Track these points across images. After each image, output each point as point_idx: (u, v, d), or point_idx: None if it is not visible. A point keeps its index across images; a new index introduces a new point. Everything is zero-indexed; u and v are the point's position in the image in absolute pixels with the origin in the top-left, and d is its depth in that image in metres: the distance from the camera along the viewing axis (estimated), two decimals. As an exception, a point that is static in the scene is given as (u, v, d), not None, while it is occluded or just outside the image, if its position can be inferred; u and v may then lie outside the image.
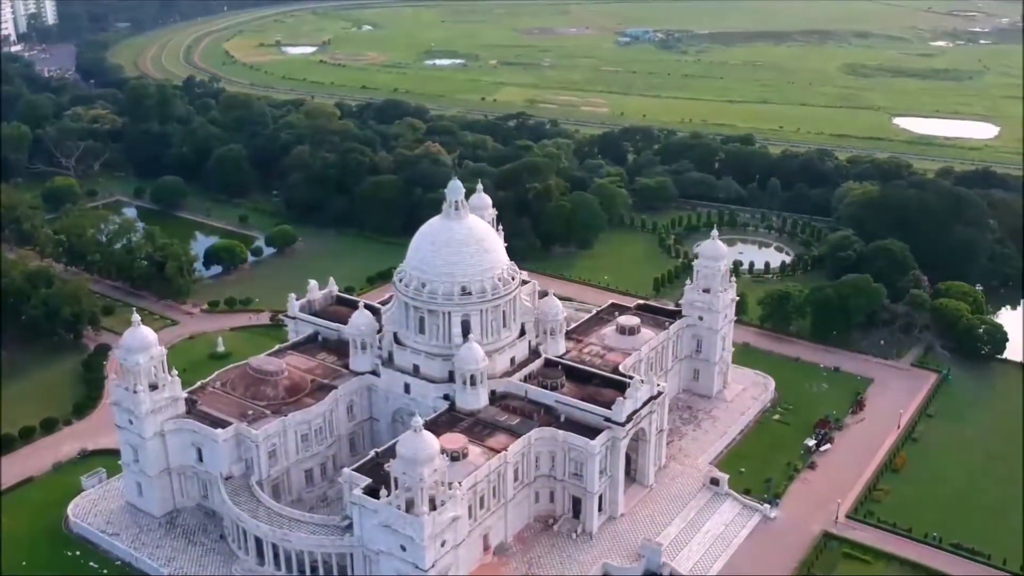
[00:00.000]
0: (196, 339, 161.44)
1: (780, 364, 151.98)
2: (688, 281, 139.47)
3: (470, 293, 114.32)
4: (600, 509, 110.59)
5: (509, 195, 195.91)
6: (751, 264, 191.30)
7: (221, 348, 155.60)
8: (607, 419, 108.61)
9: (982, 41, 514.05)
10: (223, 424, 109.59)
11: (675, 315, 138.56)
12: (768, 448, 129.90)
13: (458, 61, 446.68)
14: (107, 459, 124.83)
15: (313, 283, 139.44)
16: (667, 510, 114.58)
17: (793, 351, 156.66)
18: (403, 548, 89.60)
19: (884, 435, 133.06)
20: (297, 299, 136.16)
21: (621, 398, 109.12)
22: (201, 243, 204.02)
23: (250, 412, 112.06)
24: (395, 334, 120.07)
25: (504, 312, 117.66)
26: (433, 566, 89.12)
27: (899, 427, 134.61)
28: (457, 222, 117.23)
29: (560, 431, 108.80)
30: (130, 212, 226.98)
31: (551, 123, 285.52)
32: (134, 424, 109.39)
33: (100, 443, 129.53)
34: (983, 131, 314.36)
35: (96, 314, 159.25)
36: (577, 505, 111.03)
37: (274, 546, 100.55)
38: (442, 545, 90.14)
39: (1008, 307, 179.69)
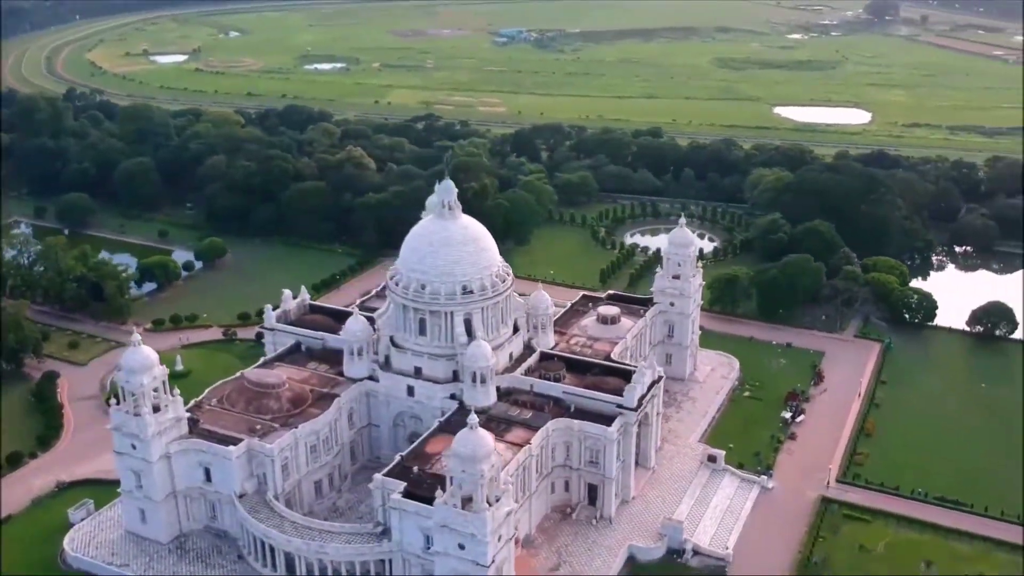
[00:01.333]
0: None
1: (736, 344, 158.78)
2: (658, 268, 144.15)
3: (472, 292, 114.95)
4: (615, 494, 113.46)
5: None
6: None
7: (180, 367, 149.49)
8: (619, 406, 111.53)
9: (833, 33, 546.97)
10: (232, 441, 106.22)
11: (646, 303, 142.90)
12: (747, 423, 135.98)
13: (339, 65, 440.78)
14: (87, 490, 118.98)
15: (287, 293, 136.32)
16: (674, 489, 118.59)
17: (745, 331, 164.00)
18: (461, 547, 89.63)
19: (848, 403, 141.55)
20: (273, 310, 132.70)
21: (629, 384, 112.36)
22: (118, 261, 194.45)
23: (258, 427, 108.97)
24: (391, 338, 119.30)
25: (502, 309, 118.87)
26: (492, 562, 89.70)
27: (860, 395, 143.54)
28: (452, 222, 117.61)
29: (575, 421, 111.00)
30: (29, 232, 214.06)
31: (461, 123, 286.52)
32: (138, 448, 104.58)
33: (75, 474, 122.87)
34: (857, 117, 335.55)
35: (39, 341, 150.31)
36: (592, 492, 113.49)
37: (307, 560, 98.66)
38: (499, 540, 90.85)
39: (919, 278, 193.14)
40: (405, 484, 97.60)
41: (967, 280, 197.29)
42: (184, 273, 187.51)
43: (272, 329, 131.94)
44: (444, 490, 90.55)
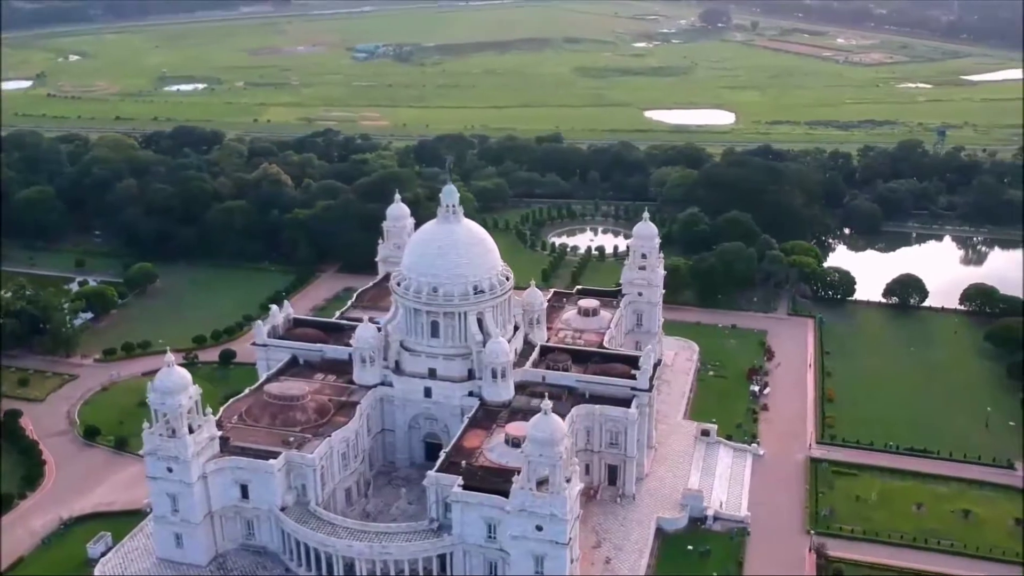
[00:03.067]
0: (112, 390, 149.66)
1: (686, 330, 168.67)
2: (626, 261, 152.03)
3: (483, 291, 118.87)
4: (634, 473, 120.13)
5: (381, 206, 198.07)
6: (615, 248, 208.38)
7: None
8: (634, 388, 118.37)
9: (674, 40, 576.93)
10: (269, 455, 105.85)
11: (616, 294, 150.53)
12: (720, 399, 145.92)
13: (200, 85, 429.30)
14: (96, 524, 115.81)
15: (275, 308, 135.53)
16: (680, 464, 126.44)
17: (691, 317, 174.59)
18: (539, 528, 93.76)
19: (802, 374, 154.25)
20: (264, 325, 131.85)
21: (640, 368, 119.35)
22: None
23: (291, 439, 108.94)
24: (401, 342, 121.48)
25: (506, 307, 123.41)
26: (569, 540, 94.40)
27: (811, 366, 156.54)
28: (457, 225, 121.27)
29: (596, 406, 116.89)
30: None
31: (362, 137, 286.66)
32: (175, 471, 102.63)
33: (77, 509, 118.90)
34: (722, 118, 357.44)
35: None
36: (612, 473, 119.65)
37: (369, 562, 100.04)
38: (574, 518, 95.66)
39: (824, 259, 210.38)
40: (461, 478, 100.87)
41: (863, 258, 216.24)
42: (119, 301, 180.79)
43: (265, 345, 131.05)
44: (493, 479, 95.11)
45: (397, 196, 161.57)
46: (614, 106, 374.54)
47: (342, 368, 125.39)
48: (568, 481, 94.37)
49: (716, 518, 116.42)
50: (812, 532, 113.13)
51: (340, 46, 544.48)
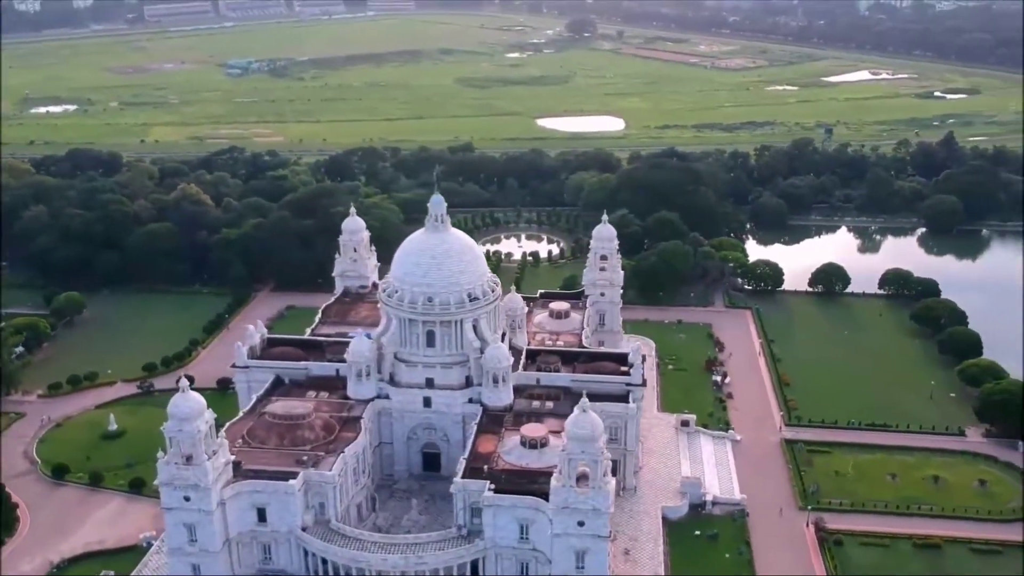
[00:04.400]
0: (67, 425, 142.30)
1: (635, 327, 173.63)
2: (588, 263, 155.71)
3: (477, 298, 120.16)
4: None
5: (316, 222, 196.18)
6: (549, 252, 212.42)
7: (114, 426, 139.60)
8: (628, 384, 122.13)
9: (546, 51, 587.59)
10: (286, 476, 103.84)
11: (577, 296, 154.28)
12: (686, 391, 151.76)
13: (69, 107, 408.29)
14: (91, 564, 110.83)
15: (251, 329, 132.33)
16: (668, 454, 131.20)
17: (638, 315, 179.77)
18: (580, 524, 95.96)
19: (754, 362, 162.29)
20: (243, 346, 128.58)
21: (632, 365, 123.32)
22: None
23: (305, 458, 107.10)
24: (395, 354, 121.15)
25: (495, 313, 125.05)
26: (609, 532, 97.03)
27: (760, 354, 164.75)
28: (446, 234, 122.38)
29: (596, 403, 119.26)
30: None
31: (269, 154, 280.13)
32: (194, 499, 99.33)
33: (65, 551, 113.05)
34: (611, 123, 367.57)
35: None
36: (612, 467, 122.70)
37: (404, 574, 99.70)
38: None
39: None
40: (489, 482, 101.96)
41: (773, 251, 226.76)
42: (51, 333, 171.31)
43: (247, 367, 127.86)
44: (520, 481, 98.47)
45: (352, 210, 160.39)
46: (506, 115, 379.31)
47: (331, 384, 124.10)
48: (604, 475, 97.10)
49: (715, 503, 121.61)
50: (809, 508, 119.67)
51: (209, 62, 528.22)
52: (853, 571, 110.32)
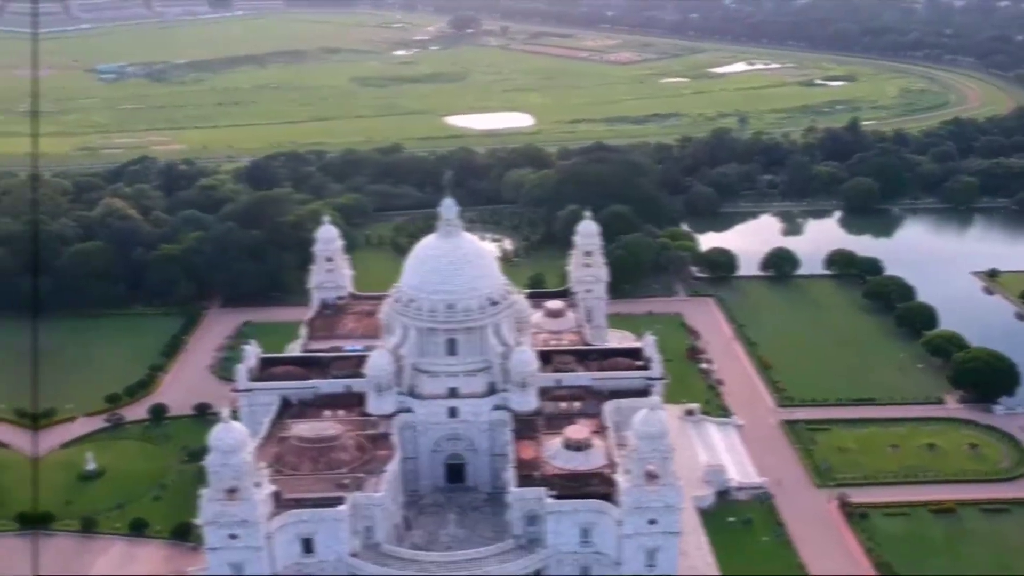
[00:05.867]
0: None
1: (610, 320, 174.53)
2: (573, 260, 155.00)
3: (497, 303, 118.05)
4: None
5: (264, 232, 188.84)
6: (504, 252, 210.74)
7: (92, 466, 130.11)
8: (649, 378, 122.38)
9: (432, 48, 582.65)
10: (332, 502, 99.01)
11: (564, 294, 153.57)
12: (677, 380, 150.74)
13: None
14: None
15: (249, 348, 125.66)
16: (682, 444, 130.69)
17: (610, 308, 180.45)
18: (652, 522, 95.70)
19: (731, 347, 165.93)
20: (243, 368, 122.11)
21: (650, 358, 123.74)
22: None
23: (346, 481, 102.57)
24: (414, 365, 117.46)
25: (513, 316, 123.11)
26: (679, 528, 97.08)
27: (735, 339, 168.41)
28: (459, 238, 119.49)
29: (623, 400, 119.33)
30: None
31: (186, 163, 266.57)
32: (241, 536, 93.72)
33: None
34: (519, 120, 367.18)
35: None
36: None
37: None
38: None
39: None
40: (546, 489, 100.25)
41: (708, 239, 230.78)
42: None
43: (250, 390, 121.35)
44: (574, 485, 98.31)
45: (326, 219, 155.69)
46: (411, 114, 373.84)
47: (343, 402, 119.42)
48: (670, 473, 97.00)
49: (740, 488, 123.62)
50: (832, 484, 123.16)
51: (75, 68, 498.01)
52: (883, 541, 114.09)
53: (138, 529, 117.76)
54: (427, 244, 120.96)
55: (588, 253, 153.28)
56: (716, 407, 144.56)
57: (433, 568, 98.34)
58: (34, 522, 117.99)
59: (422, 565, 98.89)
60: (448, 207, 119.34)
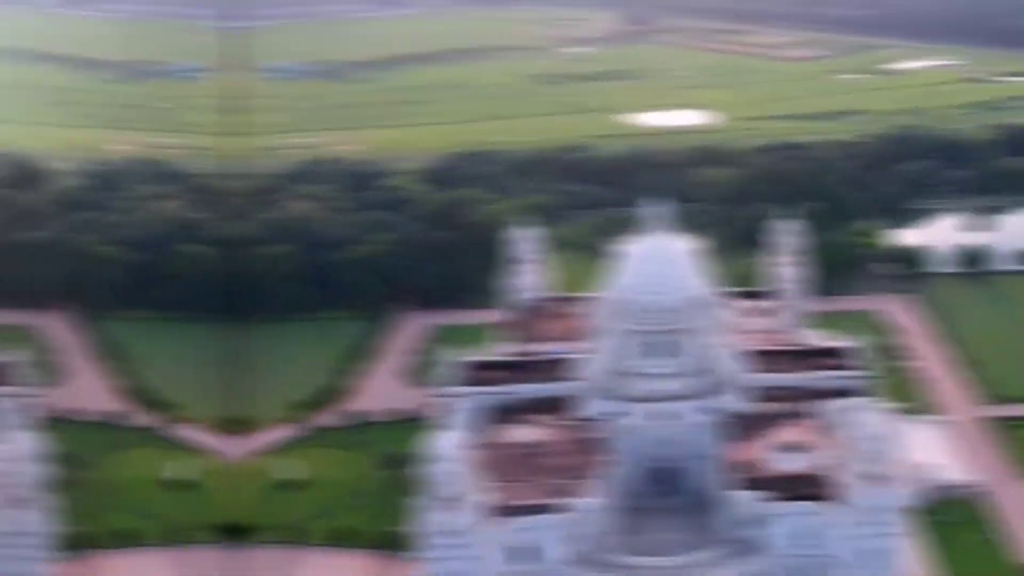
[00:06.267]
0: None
1: (807, 320, 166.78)
2: (773, 260, 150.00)
3: (705, 304, 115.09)
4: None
5: (456, 235, 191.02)
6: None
7: (290, 474, 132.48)
8: (857, 378, 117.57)
9: (604, 44, 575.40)
10: (552, 509, 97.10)
11: (765, 294, 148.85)
12: (880, 378, 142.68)
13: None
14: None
15: (448, 352, 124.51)
16: (891, 443, 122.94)
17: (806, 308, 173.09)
18: (872, 523, 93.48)
19: (931, 345, 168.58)
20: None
21: (841, 359, 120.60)
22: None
23: (561, 487, 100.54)
24: (627, 368, 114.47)
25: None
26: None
27: (935, 336, 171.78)
28: (670, 240, 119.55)
29: (834, 400, 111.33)
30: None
31: (366, 163, 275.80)
32: (460, 545, 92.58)
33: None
34: (701, 118, 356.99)
35: None
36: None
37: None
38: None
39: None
40: (767, 492, 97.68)
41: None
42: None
43: (455, 395, 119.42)
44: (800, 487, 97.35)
45: (517, 219, 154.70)
46: (590, 112, 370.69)
47: (550, 406, 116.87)
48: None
49: (950, 486, 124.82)
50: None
51: (243, 66, 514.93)
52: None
53: (342, 539, 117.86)
54: (638, 245, 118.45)
55: (786, 252, 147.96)
56: (920, 405, 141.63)
57: (653, 575, 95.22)
58: (235, 532, 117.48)
59: (642, 572, 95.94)
60: (658, 209, 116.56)
